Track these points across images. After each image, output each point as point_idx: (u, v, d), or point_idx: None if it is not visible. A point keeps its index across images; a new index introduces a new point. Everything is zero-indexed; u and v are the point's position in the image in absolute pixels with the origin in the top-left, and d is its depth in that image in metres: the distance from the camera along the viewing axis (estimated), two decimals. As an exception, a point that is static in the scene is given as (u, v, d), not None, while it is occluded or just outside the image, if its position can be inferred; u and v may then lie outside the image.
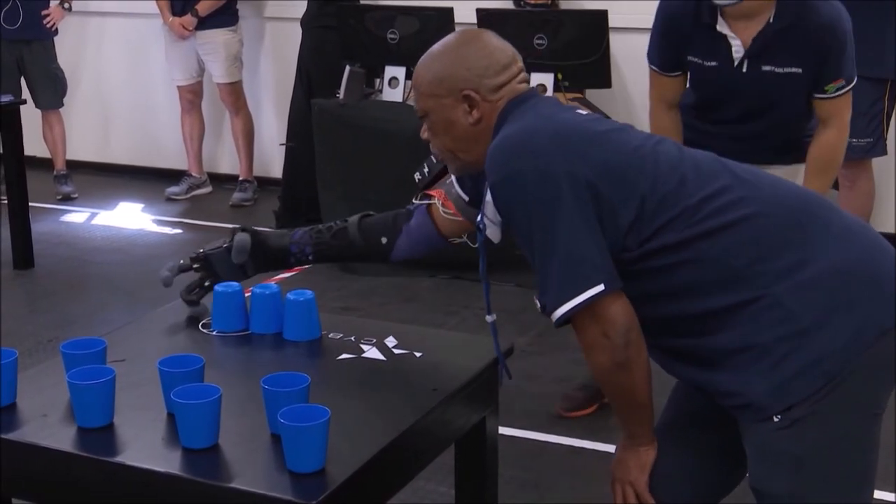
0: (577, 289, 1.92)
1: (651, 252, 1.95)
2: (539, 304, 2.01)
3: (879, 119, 4.62)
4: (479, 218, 2.14)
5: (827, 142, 3.26)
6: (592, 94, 5.53)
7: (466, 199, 2.35)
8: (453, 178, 2.34)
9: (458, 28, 5.19)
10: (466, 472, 2.35)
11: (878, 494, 3.12)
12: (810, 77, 3.16)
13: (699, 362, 2.00)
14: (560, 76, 4.99)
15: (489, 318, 2.26)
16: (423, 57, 2.17)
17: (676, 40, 3.27)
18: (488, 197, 2.05)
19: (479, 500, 2.36)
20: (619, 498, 2.12)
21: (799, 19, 3.09)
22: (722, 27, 3.15)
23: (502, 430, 2.41)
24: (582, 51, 4.92)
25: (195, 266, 2.49)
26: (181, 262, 2.51)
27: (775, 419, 1.90)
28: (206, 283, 2.48)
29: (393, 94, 5.31)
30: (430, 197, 2.43)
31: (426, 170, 2.42)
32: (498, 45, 2.13)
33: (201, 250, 2.50)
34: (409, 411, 2.00)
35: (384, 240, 2.46)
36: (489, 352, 2.26)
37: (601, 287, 1.91)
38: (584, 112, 2.13)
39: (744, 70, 3.17)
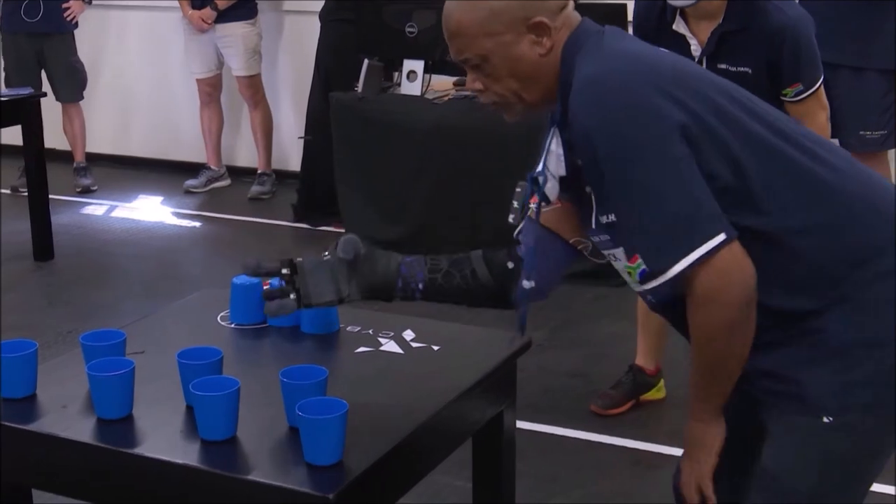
0: (694, 240, 1.72)
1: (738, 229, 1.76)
2: (622, 263, 1.83)
3: (892, 111, 4.60)
4: (538, 168, 1.92)
5: None
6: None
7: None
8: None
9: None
10: (483, 467, 2.35)
11: (879, 488, 3.11)
12: (763, 78, 3.20)
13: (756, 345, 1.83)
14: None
15: (526, 284, 2.00)
16: (452, 1, 1.88)
17: (645, 36, 3.35)
18: (553, 145, 1.89)
19: (496, 494, 2.36)
20: (693, 492, 1.94)
21: (749, 22, 3.16)
22: (679, 26, 3.26)
23: (520, 424, 2.41)
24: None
25: (283, 271, 2.03)
26: (268, 264, 2.05)
27: (826, 419, 1.81)
28: (291, 296, 2.00)
29: (411, 88, 5.31)
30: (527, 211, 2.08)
31: (516, 205, 2.10)
32: None
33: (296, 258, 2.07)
34: (426, 405, 2.00)
35: (510, 264, 2.08)
36: (507, 345, 2.26)
37: (722, 236, 1.72)
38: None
39: (703, 67, 3.20)
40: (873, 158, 4.60)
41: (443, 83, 5.47)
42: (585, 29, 1.87)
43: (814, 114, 3.25)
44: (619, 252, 1.86)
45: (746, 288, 1.74)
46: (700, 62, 3.25)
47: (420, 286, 2.04)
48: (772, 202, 1.79)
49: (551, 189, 1.92)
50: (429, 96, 5.32)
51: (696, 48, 3.25)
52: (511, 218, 2.11)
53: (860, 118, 4.33)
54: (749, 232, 1.76)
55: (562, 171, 1.89)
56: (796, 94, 3.22)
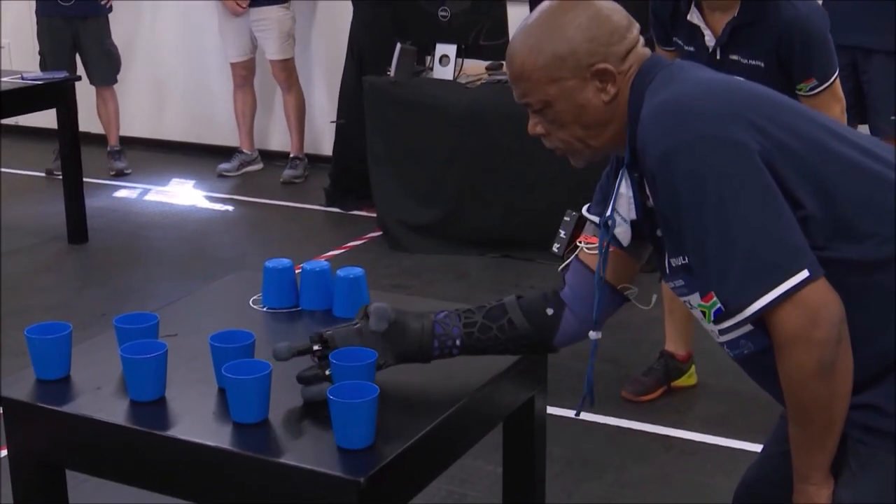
0: (775, 277, 1.60)
1: (825, 263, 1.63)
2: (700, 300, 1.73)
3: None
4: (607, 213, 1.86)
5: None
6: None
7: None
8: (588, 215, 2.00)
9: (510, 4, 5.20)
10: (514, 451, 2.36)
11: None
12: (776, 72, 3.20)
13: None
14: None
15: (593, 335, 1.98)
16: (517, 41, 1.83)
17: (663, 21, 3.42)
18: (623, 187, 1.82)
19: (527, 478, 2.36)
20: None
21: (761, 17, 3.17)
22: (693, 17, 3.27)
23: (550, 410, 2.41)
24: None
25: (315, 348, 1.97)
26: (299, 344, 1.99)
27: None
28: (327, 372, 1.94)
29: (443, 72, 5.30)
30: (574, 249, 2.03)
31: (563, 234, 2.06)
32: (610, 6, 1.82)
33: (326, 331, 1.99)
34: (458, 390, 2.00)
35: (549, 311, 2.01)
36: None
37: (805, 273, 1.59)
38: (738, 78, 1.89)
39: (717, 57, 3.25)
40: None
41: (475, 67, 5.46)
42: (655, 63, 1.82)
43: (829, 108, 3.23)
44: (695, 298, 1.77)
45: (835, 325, 1.61)
46: (714, 53, 3.26)
47: (458, 342, 1.99)
48: (866, 225, 1.67)
49: (623, 233, 1.87)
50: (461, 80, 5.31)
51: (710, 39, 3.26)
52: (556, 248, 2.07)
53: (894, 103, 4.29)
54: (842, 263, 1.65)
55: (633, 215, 1.84)
56: (811, 90, 3.22)
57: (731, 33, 3.20)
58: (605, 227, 1.86)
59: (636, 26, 1.83)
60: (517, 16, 5.21)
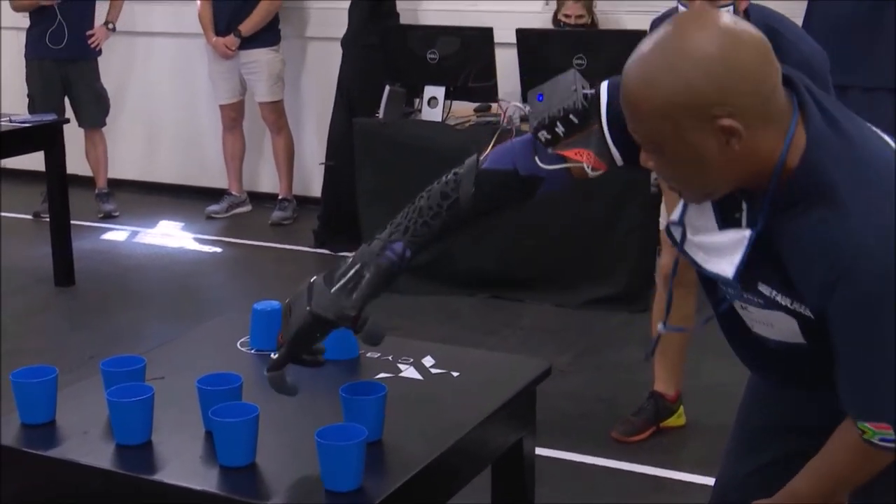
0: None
1: None
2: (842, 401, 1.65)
3: None
4: (675, 217, 1.73)
5: None
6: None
7: (622, 162, 1.82)
8: (607, 132, 1.80)
9: (498, 48, 5.23)
10: (503, 494, 2.34)
11: None
12: None
13: None
14: (600, 96, 5.00)
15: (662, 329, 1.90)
16: (633, 67, 1.58)
17: None
18: (725, 237, 1.66)
19: (517, 521, 2.34)
20: None
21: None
22: None
23: (540, 451, 2.40)
24: (621, 70, 4.91)
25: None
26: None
27: None
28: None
29: (432, 114, 5.32)
30: (566, 159, 1.84)
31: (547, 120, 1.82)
32: (745, 37, 1.54)
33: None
34: (446, 432, 1.99)
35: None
36: (527, 371, 2.25)
37: None
38: None
39: None
40: None
41: (463, 109, 5.48)
42: (815, 125, 1.57)
43: None
44: (776, 315, 1.69)
45: None
46: None
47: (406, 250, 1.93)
48: None
49: (701, 260, 1.72)
50: (450, 122, 5.33)
51: None
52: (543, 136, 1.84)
53: None
54: None
55: (728, 273, 1.65)
56: None
57: None
58: (668, 232, 1.77)
59: (776, 67, 1.57)
60: (505, 58, 5.28)
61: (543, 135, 1.83)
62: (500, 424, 2.14)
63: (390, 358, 2.33)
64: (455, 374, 2.26)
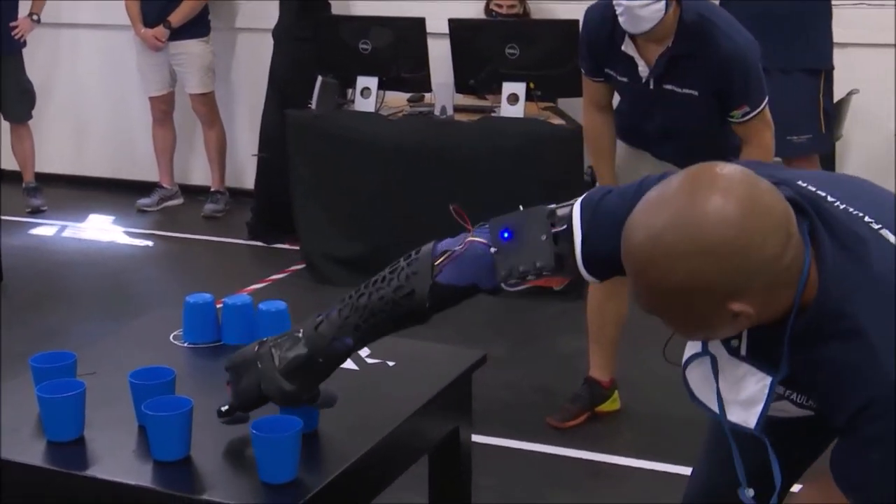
0: None
1: None
2: None
3: (817, 114, 4.71)
4: (696, 352, 1.68)
5: (747, 158, 3.33)
6: (564, 103, 5.54)
7: (599, 281, 1.80)
8: (583, 269, 1.76)
9: (430, 38, 5.23)
10: (440, 482, 2.35)
11: None
12: (710, 101, 3.27)
13: None
14: (532, 86, 5.02)
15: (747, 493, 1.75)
16: (648, 241, 1.47)
17: (595, 52, 3.45)
18: (750, 383, 1.62)
19: (454, 509, 2.35)
20: None
21: (698, 50, 3.22)
22: (628, 48, 3.31)
23: (477, 439, 2.41)
24: (554, 60, 4.93)
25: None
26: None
27: None
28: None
29: (365, 105, 5.30)
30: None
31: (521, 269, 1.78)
32: (766, 213, 1.45)
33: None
34: (382, 422, 1.99)
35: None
36: (463, 361, 2.26)
37: None
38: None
39: (651, 87, 3.32)
40: (805, 163, 4.68)
41: (396, 99, 5.48)
42: (828, 257, 1.50)
43: (760, 133, 3.31)
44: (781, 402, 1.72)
45: None
46: (647, 83, 3.31)
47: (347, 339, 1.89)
48: None
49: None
50: (383, 112, 5.32)
51: (643, 69, 3.31)
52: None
53: (790, 122, 4.39)
54: None
55: (750, 424, 1.62)
56: (743, 115, 3.29)
57: (666, 64, 3.24)
58: (683, 369, 1.71)
59: (793, 228, 1.47)
60: (438, 49, 5.28)
61: (512, 283, 1.79)
62: (435, 413, 2.15)
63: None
64: (391, 363, 2.26)
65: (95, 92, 7.20)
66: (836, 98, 4.88)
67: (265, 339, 1.92)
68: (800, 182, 1.61)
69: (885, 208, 1.63)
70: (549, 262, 1.74)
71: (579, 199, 1.76)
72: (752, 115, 3.27)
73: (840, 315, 1.50)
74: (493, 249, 1.78)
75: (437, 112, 5.19)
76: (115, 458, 1.88)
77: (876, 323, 1.49)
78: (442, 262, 1.84)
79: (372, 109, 5.28)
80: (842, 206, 1.58)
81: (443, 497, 2.36)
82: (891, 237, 1.55)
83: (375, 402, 2.06)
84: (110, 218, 6.59)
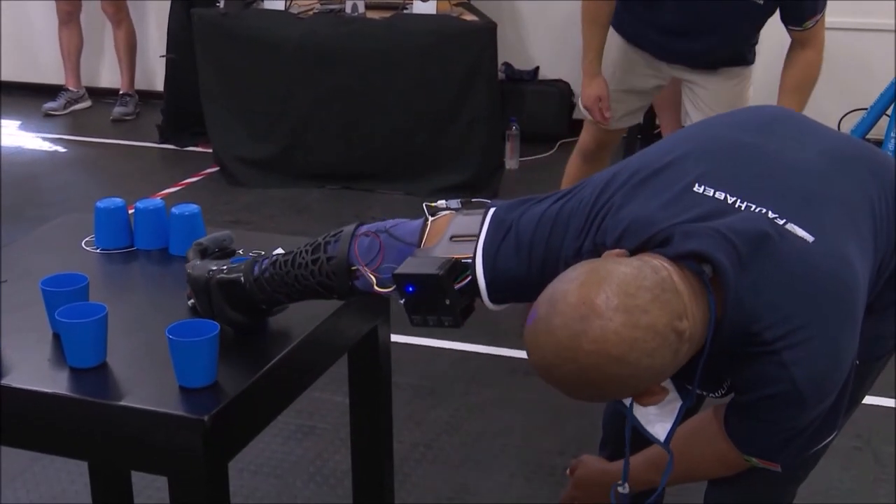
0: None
1: None
2: None
3: None
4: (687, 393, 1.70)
5: (806, 60, 3.36)
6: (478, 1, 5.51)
7: (499, 310, 1.82)
8: (491, 306, 1.79)
9: None
10: (360, 381, 2.36)
11: (878, 401, 3.26)
12: (770, 6, 3.26)
13: None
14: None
15: (622, 489, 1.87)
16: (536, 352, 1.56)
17: None
18: (673, 403, 1.69)
19: (374, 407, 2.37)
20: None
21: None
22: None
23: (396, 338, 2.42)
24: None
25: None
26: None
27: None
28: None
29: (274, 3, 5.20)
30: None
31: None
32: (648, 302, 1.45)
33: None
34: (299, 323, 1.99)
35: None
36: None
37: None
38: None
39: None
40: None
41: (307, -3, 5.39)
42: (730, 288, 1.52)
43: (819, 34, 3.33)
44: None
45: None
46: None
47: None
48: None
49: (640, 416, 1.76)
50: (293, 11, 5.22)
51: None
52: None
53: None
54: None
55: (661, 437, 1.74)
56: (815, 23, 3.29)
57: None
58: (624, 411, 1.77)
59: (686, 320, 1.48)
60: (348, -56, 5.17)
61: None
62: (353, 314, 2.15)
63: (240, 251, 2.30)
64: (307, 265, 2.25)
65: (-6, -8, 6.96)
66: None
67: (201, 242, 2.00)
68: (695, 208, 1.58)
69: (793, 187, 1.64)
70: (458, 321, 1.77)
71: (480, 244, 1.73)
72: (817, 20, 3.28)
73: (748, 335, 1.54)
74: (401, 301, 1.79)
75: (348, 10, 5.12)
76: (31, 367, 1.86)
77: (782, 334, 1.53)
78: (359, 270, 1.85)
79: (282, 8, 5.19)
80: (743, 206, 1.58)
81: (363, 396, 2.38)
82: (797, 230, 1.57)
83: (293, 305, 2.05)
84: (16, 122, 6.43)
